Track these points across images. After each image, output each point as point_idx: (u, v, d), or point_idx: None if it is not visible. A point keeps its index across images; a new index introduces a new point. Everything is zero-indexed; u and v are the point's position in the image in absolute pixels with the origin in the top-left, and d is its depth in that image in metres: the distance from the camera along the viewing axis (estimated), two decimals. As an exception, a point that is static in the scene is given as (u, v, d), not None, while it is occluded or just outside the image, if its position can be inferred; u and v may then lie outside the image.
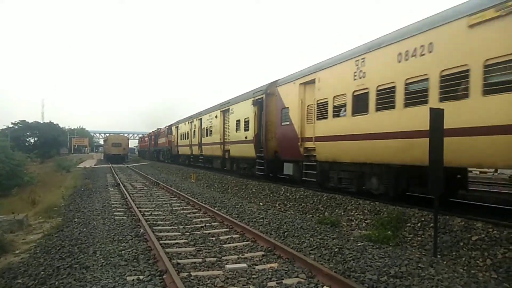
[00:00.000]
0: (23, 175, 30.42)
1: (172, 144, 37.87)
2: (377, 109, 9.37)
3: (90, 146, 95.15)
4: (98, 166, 42.38)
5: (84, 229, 9.06)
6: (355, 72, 10.15)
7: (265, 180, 15.81)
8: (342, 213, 9.71)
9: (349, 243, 7.22)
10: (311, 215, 10.38)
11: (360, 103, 9.98)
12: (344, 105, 10.67)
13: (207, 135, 25.12)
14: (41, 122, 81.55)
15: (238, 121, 19.12)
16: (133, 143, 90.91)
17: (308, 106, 12.85)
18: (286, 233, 8.31)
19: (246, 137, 17.78)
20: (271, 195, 13.50)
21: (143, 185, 20.25)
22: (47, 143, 71.30)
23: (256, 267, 6.01)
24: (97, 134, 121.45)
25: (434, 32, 7.89)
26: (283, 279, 5.39)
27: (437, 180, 6.43)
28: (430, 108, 6.62)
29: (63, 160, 48.02)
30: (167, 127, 42.16)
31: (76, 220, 10.37)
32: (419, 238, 7.27)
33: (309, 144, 12.59)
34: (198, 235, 8.25)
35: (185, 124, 32.29)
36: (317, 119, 12.04)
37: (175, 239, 7.96)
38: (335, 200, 10.49)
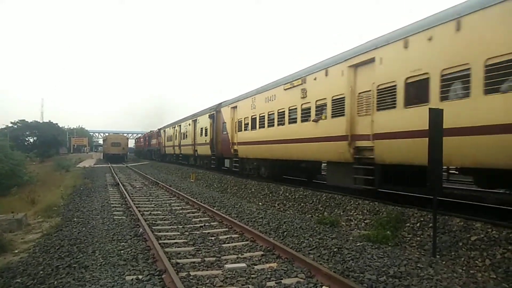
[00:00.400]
0: (23, 175, 30.38)
1: (161, 145, 44.82)
2: (259, 127, 16.21)
3: (89, 146, 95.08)
4: (98, 165, 42.37)
5: (83, 229, 9.06)
6: (251, 105, 17.18)
7: (265, 180, 15.87)
8: (341, 213, 9.71)
9: (348, 243, 7.22)
10: (310, 215, 10.39)
11: (253, 123, 16.86)
12: (248, 123, 17.53)
13: (184, 138, 32.15)
14: (41, 121, 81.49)
15: (201, 129, 25.99)
16: (131, 143, 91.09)
17: (235, 122, 19.55)
18: (285, 233, 8.31)
19: (205, 141, 24.57)
20: (270, 195, 13.51)
21: (142, 185, 20.24)
22: (46, 143, 71.19)
23: (255, 267, 6.01)
24: (97, 134, 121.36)
25: (274, 90, 14.92)
26: (282, 279, 5.40)
27: (436, 180, 6.43)
28: (430, 109, 6.64)
29: (62, 159, 48.01)
30: (157, 130, 48.19)
31: (75, 219, 10.37)
32: (418, 238, 7.28)
33: (235, 147, 19.21)
34: (197, 235, 8.25)
35: (170, 128, 39.13)
36: (237, 131, 18.99)
37: (174, 239, 7.96)
38: (334, 200, 10.50)
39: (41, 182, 27.40)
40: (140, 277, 5.48)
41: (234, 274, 5.64)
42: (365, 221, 8.79)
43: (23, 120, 74.51)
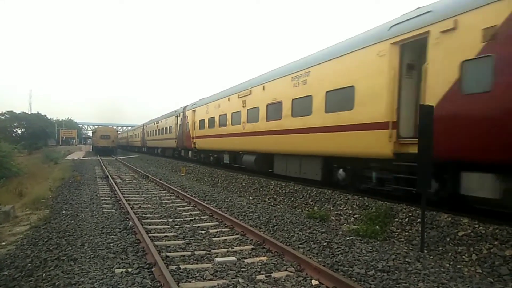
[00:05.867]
0: (11, 167, 29.83)
1: (128, 140, 68.21)
2: (160, 134, 37.82)
3: (78, 138, 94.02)
4: (87, 158, 41.94)
5: (72, 221, 8.98)
6: (157, 125, 39.30)
7: (255, 175, 15.88)
8: (331, 208, 9.78)
9: (338, 238, 7.28)
10: (300, 210, 10.44)
11: (156, 132, 39.45)
12: (153, 132, 41.54)
13: (134, 138, 59.26)
14: (29, 113, 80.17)
15: (136, 134, 57.06)
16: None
17: (148, 131, 45.08)
18: (275, 227, 8.35)
19: (137, 139, 56.61)
20: (261, 189, 13.53)
21: (132, 178, 20.10)
22: (34, 134, 70.10)
23: (245, 260, 6.04)
24: (86, 126, 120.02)
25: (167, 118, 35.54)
26: (272, 272, 5.43)
27: (425, 176, 6.51)
28: (421, 105, 6.71)
29: (51, 151, 47.34)
30: (128, 129, 75.64)
31: (63, 212, 10.27)
32: (406, 233, 7.37)
33: (147, 143, 46.69)
34: (187, 229, 8.24)
35: (134, 130, 63.29)
36: (148, 136, 45.51)
37: (164, 232, 7.94)
38: (325, 195, 10.56)
39: (29, 174, 26.93)
40: (129, 270, 5.45)
41: (224, 268, 5.65)
42: (355, 216, 8.87)
43: (11, 111, 73.10)
